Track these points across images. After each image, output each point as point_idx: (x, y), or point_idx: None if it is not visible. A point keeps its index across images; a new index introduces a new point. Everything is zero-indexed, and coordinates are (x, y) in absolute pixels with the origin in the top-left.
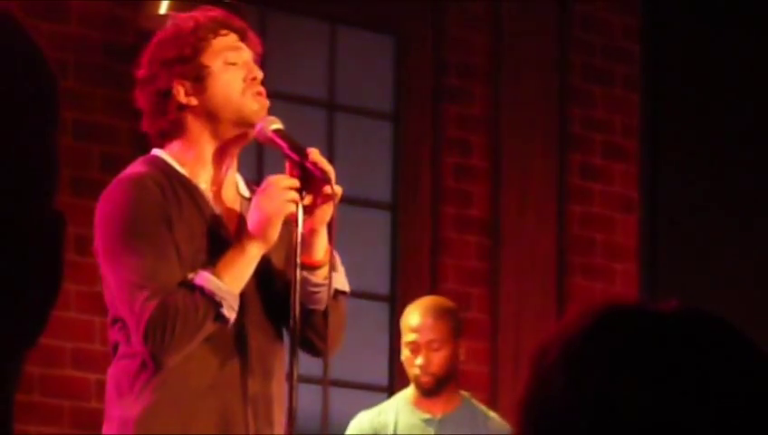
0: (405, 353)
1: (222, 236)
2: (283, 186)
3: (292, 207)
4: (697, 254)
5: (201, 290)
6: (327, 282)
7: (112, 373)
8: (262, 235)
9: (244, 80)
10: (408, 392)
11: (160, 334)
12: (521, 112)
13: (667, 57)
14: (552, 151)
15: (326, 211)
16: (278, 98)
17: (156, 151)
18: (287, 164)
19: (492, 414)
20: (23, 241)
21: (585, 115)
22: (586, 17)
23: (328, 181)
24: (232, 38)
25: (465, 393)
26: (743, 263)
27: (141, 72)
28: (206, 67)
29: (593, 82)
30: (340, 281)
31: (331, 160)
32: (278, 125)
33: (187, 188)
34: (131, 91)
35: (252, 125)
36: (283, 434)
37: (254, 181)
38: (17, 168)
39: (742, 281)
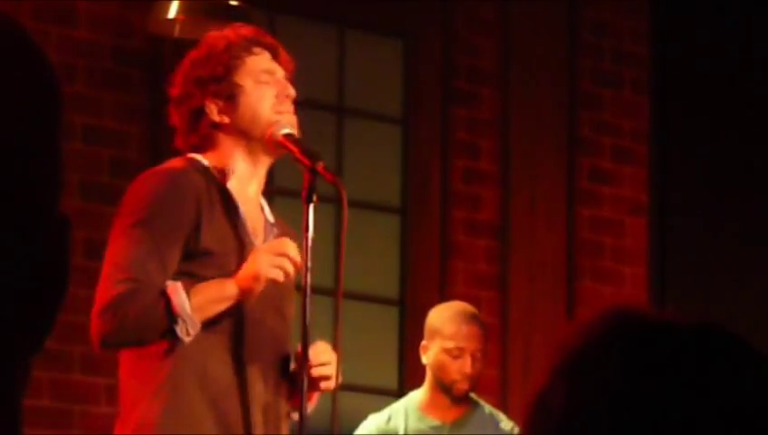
0: (441, 358)
1: (248, 247)
2: (282, 251)
3: (278, 275)
4: (706, 257)
5: (168, 300)
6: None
7: (126, 375)
8: (244, 285)
9: (277, 97)
10: (418, 396)
11: (112, 316)
12: (530, 116)
13: (676, 61)
14: (561, 155)
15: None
16: None
17: (192, 155)
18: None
19: (502, 416)
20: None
21: (594, 119)
22: (595, 21)
23: (336, 183)
24: (265, 57)
25: (473, 396)
26: (751, 266)
27: (175, 91)
28: (239, 86)
29: (602, 86)
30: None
31: (339, 164)
32: (289, 129)
33: (222, 193)
34: (140, 95)
35: (280, 144)
36: None
37: (265, 186)
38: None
39: (750, 284)
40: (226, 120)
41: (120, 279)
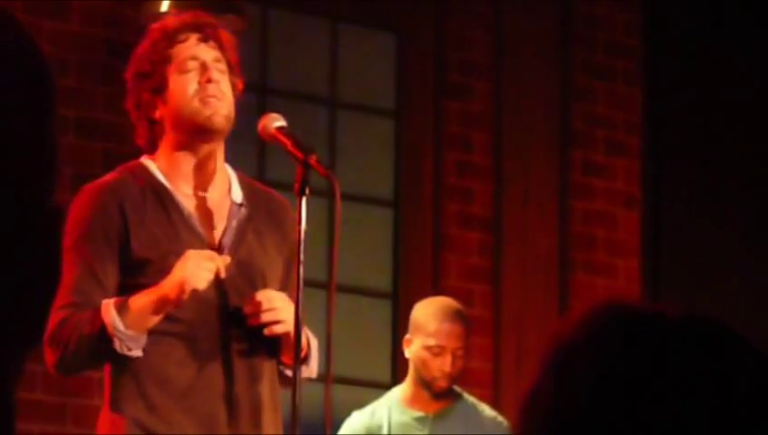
0: (422, 354)
1: (191, 243)
2: (204, 257)
3: (203, 283)
4: (699, 250)
5: (102, 320)
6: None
7: (106, 373)
8: (171, 293)
9: (199, 83)
10: (400, 391)
11: (55, 347)
12: (522, 109)
13: (668, 53)
14: (553, 148)
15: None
16: (280, 95)
17: (143, 159)
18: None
19: (484, 407)
20: (22, 239)
21: (587, 111)
22: (588, 13)
23: (328, 177)
24: (190, 42)
25: (456, 388)
26: (744, 259)
27: (126, 84)
28: (165, 79)
29: (595, 79)
30: (311, 370)
31: (332, 157)
32: (281, 122)
33: (159, 195)
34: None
35: (208, 130)
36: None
37: (256, 179)
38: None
39: (743, 277)
40: (158, 115)
41: (59, 306)
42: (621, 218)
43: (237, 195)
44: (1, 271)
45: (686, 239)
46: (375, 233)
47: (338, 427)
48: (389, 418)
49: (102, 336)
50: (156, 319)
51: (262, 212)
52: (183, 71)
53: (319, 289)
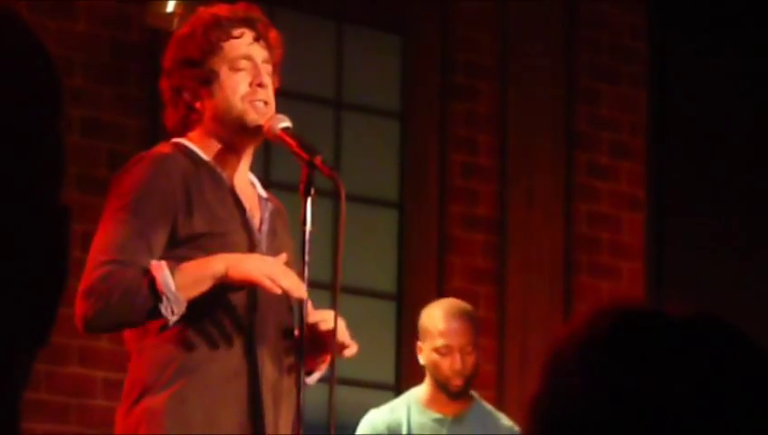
0: (432, 357)
1: (244, 224)
2: (278, 265)
3: (266, 282)
4: (703, 252)
5: (152, 278)
6: (310, 382)
7: (136, 366)
8: (233, 273)
9: (250, 85)
10: (419, 392)
11: (95, 298)
12: (528, 111)
13: (673, 56)
14: (558, 150)
15: (329, 350)
16: (285, 96)
17: (180, 139)
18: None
19: (501, 415)
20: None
21: (592, 113)
22: (593, 15)
23: (333, 178)
24: (245, 39)
25: (474, 394)
26: (748, 261)
27: (165, 64)
28: (214, 72)
29: (600, 81)
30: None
31: (337, 158)
32: (287, 123)
33: (211, 173)
34: (138, 88)
35: (252, 133)
36: (290, 433)
37: (261, 179)
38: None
39: (747, 279)
40: (199, 105)
41: (104, 261)
42: (626, 221)
43: (261, 190)
44: (7, 270)
45: (689, 242)
46: (380, 234)
47: (341, 428)
48: (409, 417)
49: (150, 293)
50: (204, 287)
51: (276, 209)
52: (235, 69)
53: (323, 290)
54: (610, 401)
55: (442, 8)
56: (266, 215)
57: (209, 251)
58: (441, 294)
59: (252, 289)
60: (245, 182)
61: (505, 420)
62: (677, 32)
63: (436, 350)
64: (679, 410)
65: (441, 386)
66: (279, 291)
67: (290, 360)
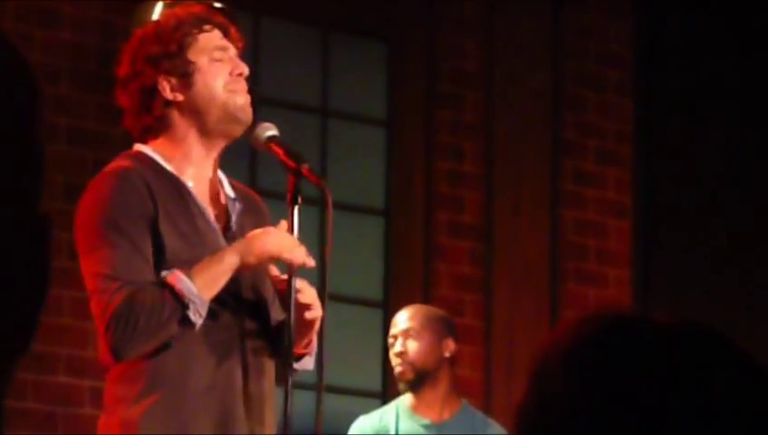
0: (390, 354)
1: (208, 234)
2: (286, 235)
3: (287, 255)
4: (690, 260)
5: (171, 289)
6: (302, 368)
7: (112, 378)
8: (246, 257)
9: (231, 74)
10: (407, 398)
11: (123, 326)
12: (514, 118)
13: (660, 63)
14: (545, 157)
15: (311, 323)
16: (271, 104)
17: (139, 147)
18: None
19: (491, 421)
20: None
21: (578, 121)
22: (579, 22)
23: (320, 186)
24: (216, 34)
25: (464, 400)
26: (735, 269)
27: (123, 70)
28: (192, 63)
29: (586, 88)
30: (308, 363)
31: (324, 166)
32: (273, 132)
33: (173, 183)
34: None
35: (237, 120)
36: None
37: (247, 185)
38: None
39: (733, 287)
40: (180, 97)
41: (115, 288)
42: (612, 228)
43: (230, 190)
44: None
45: (676, 249)
46: (366, 242)
47: None
48: (397, 423)
49: (176, 304)
50: (222, 283)
51: (246, 206)
52: (214, 59)
53: None
54: (596, 407)
55: (428, 16)
56: (233, 217)
57: (172, 264)
58: (427, 301)
59: (222, 299)
60: (212, 185)
61: (495, 426)
62: (664, 39)
63: (390, 346)
64: (664, 417)
65: (398, 380)
66: (300, 259)
67: (267, 360)
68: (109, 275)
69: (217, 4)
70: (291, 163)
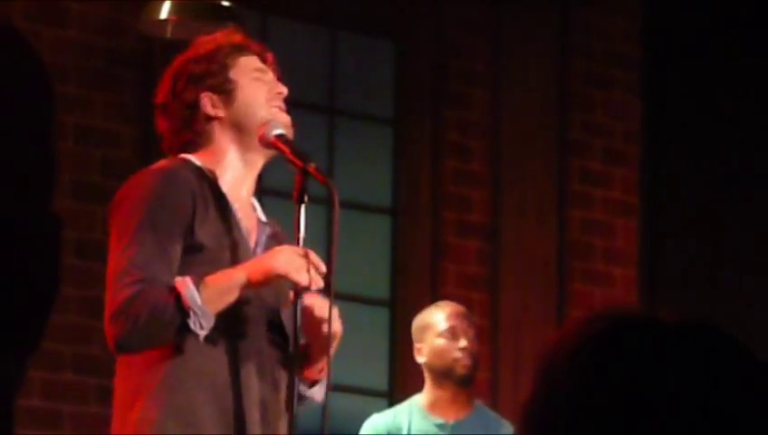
0: (437, 344)
1: (240, 244)
2: (302, 254)
3: (294, 276)
4: (697, 259)
5: (178, 295)
6: (311, 396)
7: (123, 375)
8: (255, 276)
9: (270, 93)
10: (421, 398)
11: (123, 320)
12: (521, 117)
13: (667, 62)
14: (552, 156)
15: (324, 348)
16: None
17: (183, 155)
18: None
19: (504, 421)
20: (22, 245)
21: (585, 120)
22: (586, 22)
23: (327, 185)
24: (254, 59)
25: (477, 401)
26: (742, 268)
27: (163, 95)
28: (234, 81)
29: (593, 87)
30: (318, 393)
31: (331, 165)
32: (281, 130)
33: (213, 191)
34: (132, 95)
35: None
36: None
37: (255, 187)
38: (14, 173)
39: (741, 287)
40: (221, 113)
41: (128, 282)
42: (619, 227)
43: (261, 214)
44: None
45: (683, 248)
46: (373, 241)
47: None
48: (410, 423)
49: (178, 311)
50: (230, 299)
51: (273, 233)
52: (254, 78)
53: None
54: (602, 406)
55: (435, 15)
56: (263, 238)
57: (205, 264)
58: (434, 300)
59: (242, 303)
60: (247, 204)
61: (508, 426)
62: (671, 38)
63: (442, 335)
64: (671, 416)
65: (446, 375)
66: (306, 280)
67: (285, 375)
68: (126, 269)
69: (225, 3)
70: (298, 162)
